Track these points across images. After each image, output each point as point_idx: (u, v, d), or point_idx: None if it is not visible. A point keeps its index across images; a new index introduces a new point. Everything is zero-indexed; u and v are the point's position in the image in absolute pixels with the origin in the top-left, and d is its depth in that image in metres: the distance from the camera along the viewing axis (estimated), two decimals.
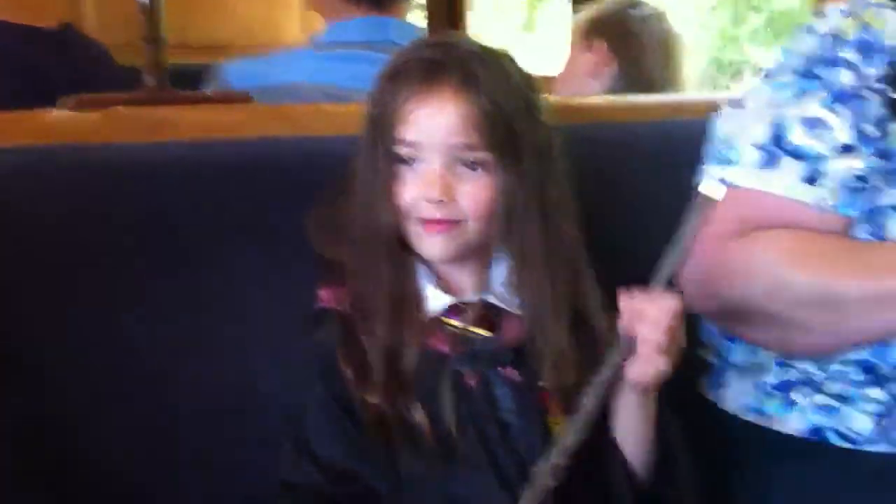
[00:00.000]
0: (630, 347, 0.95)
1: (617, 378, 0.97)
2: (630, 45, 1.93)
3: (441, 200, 0.98)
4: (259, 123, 1.17)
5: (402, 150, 0.99)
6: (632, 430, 1.02)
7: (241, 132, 1.15)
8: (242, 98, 1.27)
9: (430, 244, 1.01)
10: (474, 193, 0.99)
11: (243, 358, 1.11)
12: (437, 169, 0.98)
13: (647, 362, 0.95)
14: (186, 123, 1.13)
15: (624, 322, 0.95)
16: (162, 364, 1.08)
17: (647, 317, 0.94)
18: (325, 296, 1.05)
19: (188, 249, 1.09)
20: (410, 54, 1.03)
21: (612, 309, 1.05)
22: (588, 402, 0.95)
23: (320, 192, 1.07)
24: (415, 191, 0.99)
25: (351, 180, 1.04)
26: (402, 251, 1.02)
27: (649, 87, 1.94)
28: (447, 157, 0.99)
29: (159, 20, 1.19)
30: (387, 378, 0.99)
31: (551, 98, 1.55)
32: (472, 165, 0.99)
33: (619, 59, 1.94)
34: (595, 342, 1.06)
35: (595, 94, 1.92)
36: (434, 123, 0.98)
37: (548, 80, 2.13)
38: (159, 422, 1.09)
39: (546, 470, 0.94)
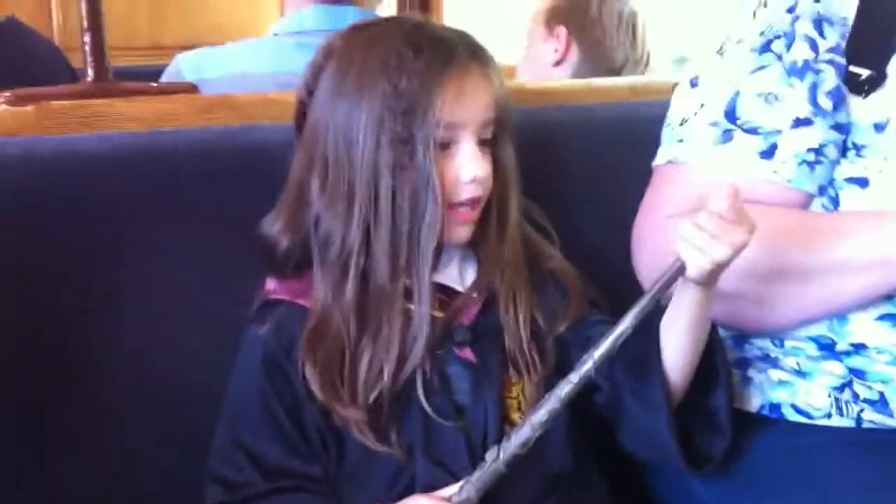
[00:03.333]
0: (681, 268, 0.91)
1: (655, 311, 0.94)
2: (591, 30, 1.91)
3: (484, 177, 0.98)
4: (201, 113, 1.15)
5: (445, 135, 0.96)
6: (683, 334, 0.96)
7: (182, 123, 1.13)
8: (187, 89, 1.25)
9: (463, 230, 1.00)
10: (489, 169, 0.99)
11: (182, 351, 1.10)
12: (474, 146, 0.97)
13: (701, 251, 0.89)
14: (125, 115, 1.10)
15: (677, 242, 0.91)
16: (92, 356, 1.07)
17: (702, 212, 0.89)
18: (273, 287, 1.03)
19: (125, 241, 1.07)
20: (419, 35, 0.97)
21: None
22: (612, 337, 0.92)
23: (265, 180, 1.06)
24: (455, 174, 0.97)
25: (342, 176, 0.97)
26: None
27: (615, 72, 1.92)
28: (478, 136, 0.98)
29: (99, 9, 1.17)
30: (380, 399, 0.96)
31: (510, 83, 1.55)
32: (488, 142, 0.99)
33: (581, 45, 1.92)
34: (550, 289, 1.07)
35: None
36: (475, 101, 0.97)
37: (509, 70, 2.12)
38: (86, 420, 1.07)
39: (507, 457, 0.92)
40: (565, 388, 0.92)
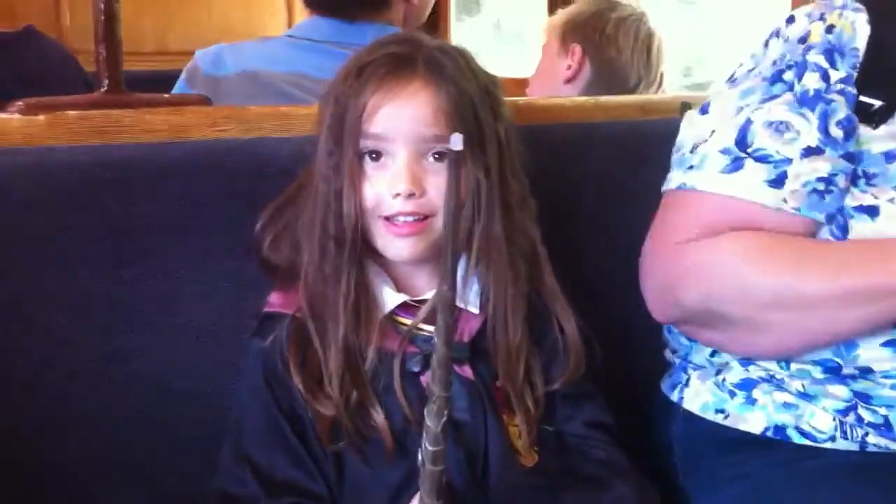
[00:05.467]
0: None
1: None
2: (606, 49, 1.90)
3: (412, 194, 0.96)
4: (212, 125, 1.15)
5: (369, 144, 0.97)
6: None
7: (192, 134, 1.14)
8: (199, 101, 1.25)
9: (400, 246, 0.99)
10: (443, 185, 0.96)
11: (186, 361, 1.10)
12: (405, 162, 0.97)
13: None
14: (137, 127, 1.11)
15: None
16: (99, 366, 1.07)
17: None
18: (276, 300, 1.04)
19: (135, 253, 1.08)
20: (375, 50, 1.01)
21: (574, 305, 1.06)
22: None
23: (274, 193, 1.07)
24: (382, 186, 0.97)
25: (305, 182, 1.03)
26: (362, 252, 1.00)
27: (628, 91, 1.92)
28: (415, 150, 0.97)
29: (114, 21, 1.17)
30: (344, 383, 0.97)
31: (518, 99, 1.55)
32: (440, 157, 0.98)
33: (595, 63, 1.91)
34: (554, 341, 1.05)
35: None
36: (403, 115, 0.97)
37: (520, 82, 2.12)
38: (95, 426, 1.07)
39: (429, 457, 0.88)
40: (433, 373, 0.84)
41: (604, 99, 1.72)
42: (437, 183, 0.98)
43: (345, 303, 0.98)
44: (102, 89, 1.17)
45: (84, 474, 1.08)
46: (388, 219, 0.98)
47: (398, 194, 0.96)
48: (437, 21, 3.14)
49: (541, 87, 2.00)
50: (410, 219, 0.98)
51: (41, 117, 1.08)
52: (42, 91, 1.33)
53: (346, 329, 0.98)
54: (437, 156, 0.98)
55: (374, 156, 0.98)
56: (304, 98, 1.45)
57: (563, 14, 1.99)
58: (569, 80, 1.91)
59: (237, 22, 3.62)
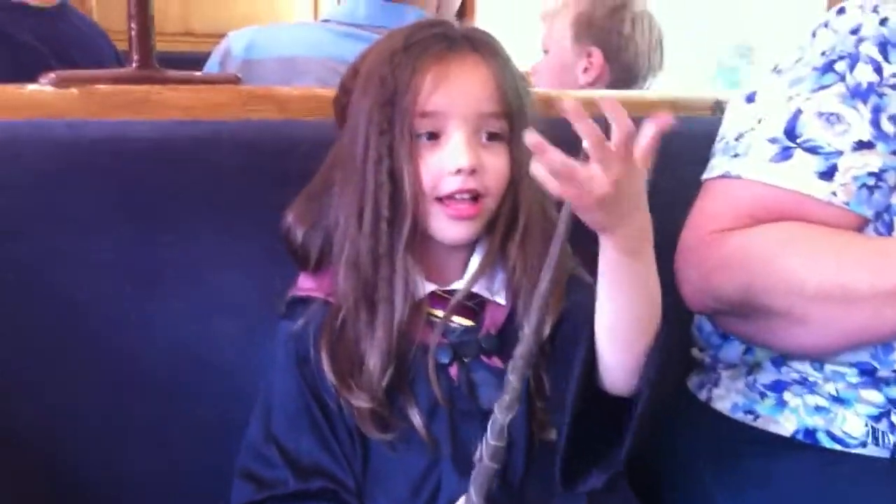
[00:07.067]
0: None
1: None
2: (625, 51, 1.89)
3: (473, 170, 0.94)
4: (244, 105, 1.14)
5: (427, 125, 0.95)
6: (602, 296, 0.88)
7: (223, 114, 1.13)
8: (231, 80, 1.24)
9: (458, 228, 0.97)
10: (497, 165, 0.96)
11: (212, 336, 1.10)
12: (465, 138, 0.95)
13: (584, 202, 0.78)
14: (167, 103, 1.10)
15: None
16: (127, 338, 1.07)
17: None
18: (307, 284, 1.02)
19: (163, 226, 1.07)
20: (416, 32, 0.98)
21: None
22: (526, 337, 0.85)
23: (303, 176, 1.05)
24: (440, 165, 0.95)
25: (336, 167, 1.00)
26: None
27: (637, 84, 1.92)
28: (473, 127, 0.95)
29: None
30: (386, 373, 0.95)
31: (550, 91, 1.53)
32: (492, 136, 0.97)
33: (615, 67, 1.89)
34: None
35: None
36: (463, 91, 0.95)
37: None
38: (114, 400, 1.07)
39: (489, 452, 0.88)
40: (515, 364, 0.87)
41: (633, 94, 1.70)
42: (491, 161, 0.96)
43: (403, 285, 0.95)
44: (134, 65, 1.16)
45: (102, 440, 1.07)
46: (441, 201, 0.96)
47: (460, 170, 0.94)
48: (463, 13, 3.12)
49: (551, 82, 1.95)
50: (467, 196, 0.95)
51: (73, 90, 1.08)
52: (75, 66, 1.32)
53: (403, 313, 0.95)
54: (488, 134, 0.96)
55: (430, 136, 0.96)
56: None
57: (567, 7, 1.93)
58: (590, 85, 1.90)
59: (262, 4, 3.62)
